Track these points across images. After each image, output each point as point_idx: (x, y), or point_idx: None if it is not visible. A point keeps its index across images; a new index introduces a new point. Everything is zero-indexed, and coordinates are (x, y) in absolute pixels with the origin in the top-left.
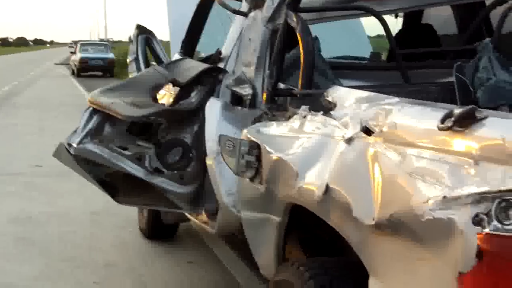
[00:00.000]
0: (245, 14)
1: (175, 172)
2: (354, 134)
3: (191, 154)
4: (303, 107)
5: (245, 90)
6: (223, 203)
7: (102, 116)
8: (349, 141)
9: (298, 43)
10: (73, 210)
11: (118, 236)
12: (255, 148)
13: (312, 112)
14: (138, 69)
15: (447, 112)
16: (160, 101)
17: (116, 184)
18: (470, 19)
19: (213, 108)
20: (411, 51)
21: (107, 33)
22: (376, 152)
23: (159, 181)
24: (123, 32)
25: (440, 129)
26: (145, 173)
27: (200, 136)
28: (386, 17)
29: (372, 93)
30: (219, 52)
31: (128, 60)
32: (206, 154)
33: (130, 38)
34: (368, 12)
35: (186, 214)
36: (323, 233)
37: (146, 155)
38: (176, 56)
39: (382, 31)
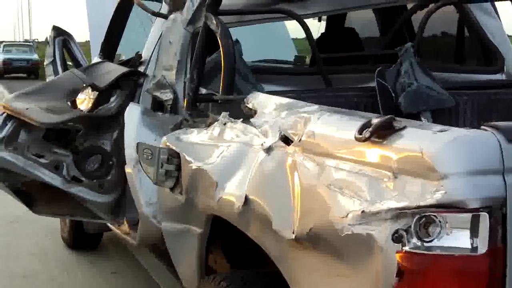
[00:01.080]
0: (165, 16)
1: (94, 180)
2: (273, 143)
3: (110, 162)
4: (223, 113)
5: (166, 95)
6: (143, 214)
7: (17, 123)
8: (268, 150)
9: (219, 47)
10: None
11: (38, 245)
12: (175, 157)
13: (232, 119)
14: (56, 72)
15: (364, 122)
16: (79, 106)
17: (33, 194)
18: (392, 23)
19: (132, 114)
20: (332, 55)
21: (31, 33)
22: (295, 162)
23: (78, 190)
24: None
25: (357, 139)
26: (63, 182)
27: (120, 143)
28: (310, 21)
29: (292, 100)
30: (139, 55)
31: (45, 64)
32: (124, 161)
33: (46, 39)
34: (289, 15)
35: (108, 224)
36: (246, 243)
37: (64, 163)
38: (96, 59)
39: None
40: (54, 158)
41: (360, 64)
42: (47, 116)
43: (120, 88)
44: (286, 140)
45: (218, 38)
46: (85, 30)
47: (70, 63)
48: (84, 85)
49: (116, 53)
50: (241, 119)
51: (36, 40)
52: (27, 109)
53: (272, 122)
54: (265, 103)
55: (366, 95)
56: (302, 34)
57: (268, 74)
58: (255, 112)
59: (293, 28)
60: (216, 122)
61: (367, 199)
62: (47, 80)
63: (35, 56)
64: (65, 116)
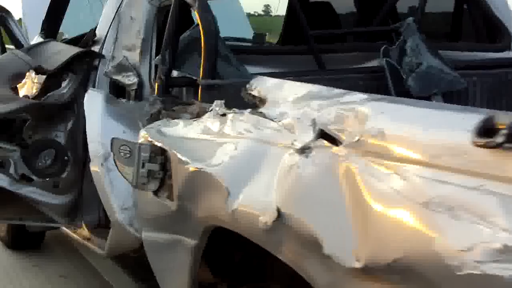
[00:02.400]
0: None
1: (48, 179)
2: (309, 142)
3: (66, 157)
4: (217, 102)
5: (129, 79)
6: (115, 220)
7: None
8: (302, 151)
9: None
10: None
11: None
12: (158, 154)
13: (235, 109)
14: None
15: (484, 120)
16: (20, 92)
17: None
18: None
19: (93, 102)
20: (319, 33)
21: None
22: (352, 169)
23: (28, 191)
24: None
25: (479, 145)
26: (10, 182)
27: (75, 135)
28: None
29: (321, 86)
30: (93, 34)
31: None
32: (83, 157)
33: None
34: None
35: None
36: (237, 256)
37: (10, 159)
38: (37, 38)
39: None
40: None
41: (343, 42)
42: None
43: (72, 71)
44: (330, 139)
45: (196, 13)
46: (14, 7)
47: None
48: (30, 68)
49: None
50: (249, 110)
51: None
52: None
53: (297, 114)
54: (279, 90)
55: (368, 77)
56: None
57: (248, 54)
58: (263, 101)
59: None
60: (207, 112)
61: (505, 228)
62: None
63: None
64: (11, 105)
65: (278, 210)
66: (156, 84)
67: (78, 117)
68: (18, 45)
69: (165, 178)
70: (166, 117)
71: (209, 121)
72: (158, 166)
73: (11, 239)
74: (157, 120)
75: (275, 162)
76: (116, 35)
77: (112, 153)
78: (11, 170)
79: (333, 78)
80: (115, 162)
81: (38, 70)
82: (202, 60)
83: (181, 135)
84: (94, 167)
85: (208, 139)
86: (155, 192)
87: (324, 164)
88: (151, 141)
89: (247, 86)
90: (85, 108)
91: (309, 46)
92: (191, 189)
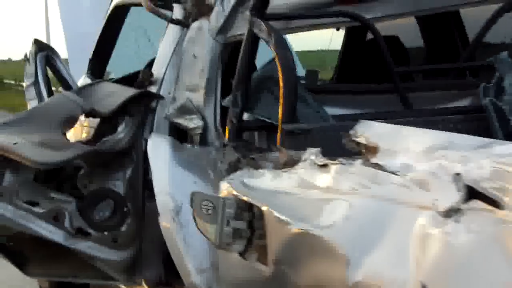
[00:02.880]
0: (186, 24)
1: (106, 233)
2: (458, 204)
3: (125, 209)
4: (312, 150)
5: (193, 122)
6: (191, 283)
7: (0, 162)
8: (449, 214)
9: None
10: None
11: None
12: (245, 210)
13: (342, 159)
14: (39, 95)
15: None
16: (69, 138)
17: (23, 250)
18: (438, 31)
19: (159, 149)
20: (409, 70)
21: None
22: None
23: (85, 246)
24: None
25: None
26: (66, 237)
27: (135, 184)
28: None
29: (451, 134)
30: (149, 73)
31: (24, 85)
32: (143, 207)
33: (25, 56)
34: (356, 20)
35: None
36: None
37: (65, 211)
38: (84, 78)
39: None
40: (52, 206)
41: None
42: (44, 154)
43: (128, 114)
44: (485, 200)
45: (273, 49)
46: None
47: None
48: (82, 111)
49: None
50: (359, 160)
51: None
52: (14, 144)
53: (430, 167)
54: (394, 137)
55: (463, 118)
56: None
57: (325, 94)
58: (372, 150)
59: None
60: (299, 162)
61: None
62: (29, 105)
63: None
64: (68, 153)
65: (424, 287)
66: (227, 128)
67: (137, 164)
68: (66, 85)
69: (252, 238)
70: (246, 166)
71: (305, 173)
72: (245, 224)
73: None
74: (236, 170)
75: (407, 226)
76: (177, 75)
77: (191, 208)
78: (66, 224)
79: (428, 121)
80: (194, 219)
81: (91, 113)
82: (281, 101)
83: (272, 189)
84: (164, 223)
85: (309, 194)
86: (242, 254)
87: (485, 232)
88: (236, 195)
89: (351, 132)
90: (149, 155)
91: (394, 84)
92: (293, 253)
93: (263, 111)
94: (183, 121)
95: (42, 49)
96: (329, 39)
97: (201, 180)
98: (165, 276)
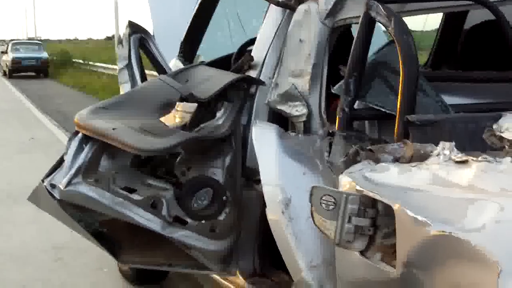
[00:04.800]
0: (292, 7)
1: (204, 222)
2: None
3: (224, 197)
4: (445, 144)
5: (297, 110)
6: (301, 279)
7: (97, 146)
8: None
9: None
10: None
11: (90, 282)
12: (369, 207)
13: (486, 155)
14: (132, 78)
15: None
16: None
17: (117, 237)
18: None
19: (265, 137)
20: None
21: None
22: None
23: (182, 235)
24: (51, 30)
25: None
26: (163, 225)
27: (234, 172)
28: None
29: None
30: (249, 57)
31: (118, 68)
32: (240, 195)
33: (119, 39)
34: (479, 3)
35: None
36: None
37: (163, 199)
38: (174, 61)
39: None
40: (150, 193)
41: None
42: (146, 140)
43: (227, 99)
44: None
45: (392, 35)
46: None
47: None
48: (181, 96)
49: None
50: (509, 158)
51: (39, 38)
52: (114, 129)
53: None
54: None
55: None
56: None
57: (443, 81)
58: None
59: None
60: (432, 157)
61: None
62: (121, 88)
63: (44, 55)
64: (171, 139)
65: None
66: (337, 116)
67: (236, 151)
68: (160, 68)
69: (375, 236)
70: (365, 158)
71: (439, 169)
72: (369, 221)
73: (134, 272)
74: (354, 163)
75: None
76: (280, 59)
77: (309, 204)
78: (164, 212)
79: None
80: (312, 214)
81: (190, 98)
82: (400, 90)
83: (400, 185)
84: (272, 215)
85: (448, 193)
86: (363, 252)
87: None
88: (360, 190)
89: (495, 126)
90: (255, 144)
91: None
92: (430, 257)
93: (377, 100)
94: (286, 108)
95: (136, 31)
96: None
97: (310, 171)
98: (260, 267)
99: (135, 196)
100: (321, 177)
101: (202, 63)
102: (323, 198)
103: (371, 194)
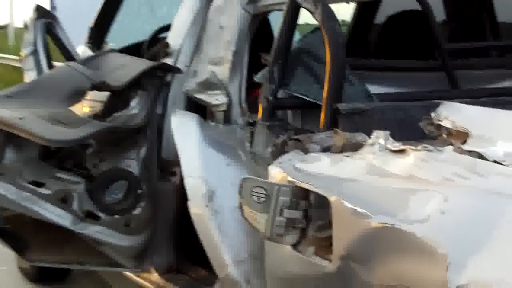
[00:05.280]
0: None
1: (117, 216)
2: None
3: (139, 191)
4: (379, 133)
5: (217, 98)
6: (227, 275)
7: (1, 137)
8: None
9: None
10: None
11: None
12: (301, 199)
13: (426, 145)
14: (38, 66)
15: None
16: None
17: (23, 234)
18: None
19: (186, 127)
20: (463, 46)
21: None
22: None
23: (94, 230)
24: None
25: None
26: (74, 220)
27: (149, 164)
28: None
29: None
30: (164, 44)
31: (22, 54)
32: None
33: (25, 24)
34: None
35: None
36: None
37: (74, 193)
38: (82, 48)
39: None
40: (59, 187)
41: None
42: (57, 130)
43: (142, 87)
44: None
45: (320, 21)
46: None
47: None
48: (92, 84)
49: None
50: (450, 147)
51: None
52: (20, 119)
53: None
54: (489, 121)
55: None
56: None
57: (365, 71)
58: (460, 136)
59: None
60: (366, 146)
61: None
62: (26, 76)
63: None
64: (85, 129)
65: None
66: (260, 105)
67: (152, 142)
68: (68, 55)
69: (307, 229)
70: (293, 148)
71: (374, 158)
72: (301, 214)
73: (35, 270)
74: (282, 153)
75: None
76: (199, 46)
77: (239, 196)
78: (75, 206)
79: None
80: (240, 207)
81: (102, 87)
82: (327, 78)
83: (334, 176)
84: (195, 209)
85: (386, 184)
86: (294, 246)
87: None
88: (293, 181)
89: (433, 114)
90: (175, 134)
91: (443, 61)
92: (370, 250)
93: (301, 88)
94: (205, 97)
95: (44, 15)
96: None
97: (234, 162)
98: (176, 263)
99: (44, 191)
100: (246, 168)
101: (112, 50)
102: (254, 190)
103: (305, 186)
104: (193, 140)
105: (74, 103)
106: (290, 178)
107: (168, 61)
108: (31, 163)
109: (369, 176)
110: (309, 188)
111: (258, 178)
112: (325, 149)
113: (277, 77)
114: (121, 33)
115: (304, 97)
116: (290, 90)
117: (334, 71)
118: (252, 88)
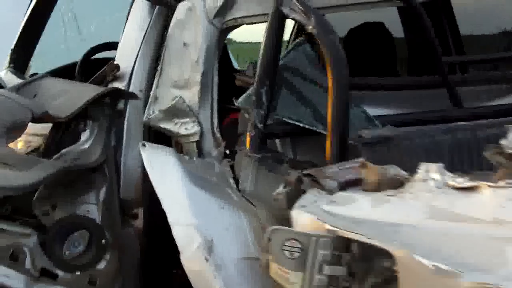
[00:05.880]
0: (169, 5)
1: (80, 273)
2: None
3: (103, 240)
4: (430, 165)
5: (187, 127)
6: None
7: None
8: None
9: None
10: None
11: None
12: (343, 250)
13: (508, 180)
14: None
15: None
16: None
17: None
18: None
19: (164, 163)
20: (458, 59)
21: None
22: None
23: None
24: None
25: None
26: (27, 282)
27: (111, 208)
28: None
29: None
30: (114, 65)
31: None
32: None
33: None
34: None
35: None
36: None
37: (24, 248)
38: (6, 73)
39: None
40: (6, 241)
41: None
42: (4, 175)
43: (90, 118)
44: None
45: (319, 39)
46: None
47: None
48: (33, 115)
49: None
50: None
51: None
52: None
53: None
54: None
55: None
56: None
57: (361, 90)
58: None
59: None
60: (415, 183)
61: None
62: None
63: None
64: (39, 172)
65: None
66: (248, 136)
67: (111, 181)
68: None
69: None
70: (310, 187)
71: (435, 198)
72: (345, 270)
73: None
74: (298, 193)
75: None
76: (161, 67)
77: (268, 253)
78: (27, 264)
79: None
80: (267, 264)
81: (45, 118)
82: (330, 101)
83: (386, 221)
84: (192, 264)
85: (467, 230)
86: None
87: None
88: (334, 230)
89: (504, 142)
90: (151, 174)
91: (443, 77)
92: None
93: (291, 113)
94: (171, 126)
95: None
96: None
97: (227, 205)
98: None
99: None
100: (242, 211)
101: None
102: (286, 244)
103: (352, 236)
104: (175, 178)
105: (13, 140)
106: (328, 227)
107: (118, 85)
108: None
109: (434, 221)
110: (359, 239)
111: (290, 229)
112: (343, 186)
113: (265, 101)
114: (44, 54)
115: (297, 123)
116: (280, 116)
117: (338, 92)
118: (226, 113)
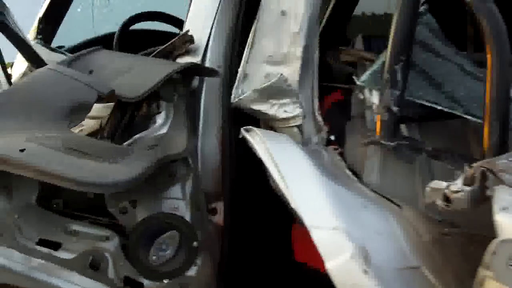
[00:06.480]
0: None
1: (168, 281)
2: None
3: (195, 243)
4: None
5: (287, 109)
6: None
7: None
8: None
9: None
10: None
11: None
12: None
13: None
14: None
15: None
16: None
17: None
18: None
19: (291, 154)
20: None
21: None
22: None
23: None
24: None
25: None
26: None
27: (199, 203)
28: None
29: None
30: (188, 37)
31: None
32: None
33: None
34: None
35: None
36: None
37: (106, 254)
38: (34, 45)
39: None
40: (83, 247)
41: None
42: (91, 168)
43: (162, 98)
44: None
45: (472, 5)
46: None
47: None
48: (99, 95)
49: None
50: None
51: None
52: (21, 151)
53: None
54: None
55: None
56: None
57: None
58: None
59: None
60: None
61: None
62: None
63: None
64: (138, 164)
65: None
66: (378, 120)
67: (197, 173)
68: (29, 55)
69: None
70: (494, 183)
71: None
72: None
73: None
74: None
75: None
76: (252, 40)
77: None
78: (110, 273)
79: None
80: (482, 281)
81: (111, 98)
82: (489, 81)
83: None
84: (343, 274)
85: None
86: None
87: None
88: None
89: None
90: (270, 165)
91: None
92: None
93: (425, 93)
94: (266, 108)
95: None
96: None
97: (369, 203)
98: None
99: (63, 254)
100: (388, 211)
101: (61, 47)
102: None
103: None
104: (307, 172)
105: (76, 124)
106: None
107: (192, 60)
108: (31, 213)
109: None
110: None
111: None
112: None
113: (401, 79)
114: (70, 25)
115: (434, 106)
116: (415, 97)
117: (499, 71)
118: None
